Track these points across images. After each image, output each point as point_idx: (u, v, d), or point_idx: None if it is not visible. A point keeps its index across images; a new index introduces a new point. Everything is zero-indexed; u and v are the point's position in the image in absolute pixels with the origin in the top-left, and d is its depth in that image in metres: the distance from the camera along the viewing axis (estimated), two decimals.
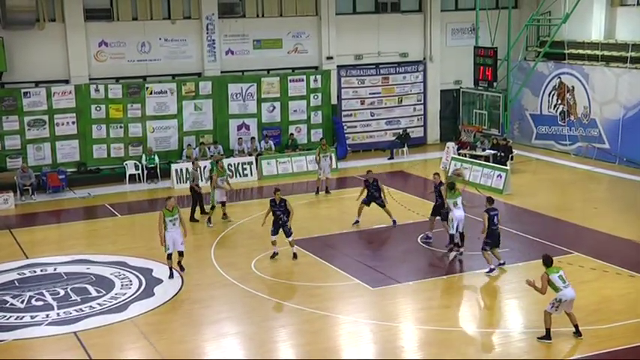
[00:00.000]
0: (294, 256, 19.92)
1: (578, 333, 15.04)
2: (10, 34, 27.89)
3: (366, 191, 22.69)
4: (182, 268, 19.05)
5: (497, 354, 14.84)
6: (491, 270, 18.60)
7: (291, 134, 32.02)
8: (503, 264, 19.00)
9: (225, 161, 28.85)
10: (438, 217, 21.16)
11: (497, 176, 26.85)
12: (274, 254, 20.00)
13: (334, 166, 30.09)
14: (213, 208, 23.38)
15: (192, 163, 25.29)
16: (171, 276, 18.73)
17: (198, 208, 24.14)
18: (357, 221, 22.82)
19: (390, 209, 22.89)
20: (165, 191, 27.73)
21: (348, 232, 22.48)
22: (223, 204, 23.62)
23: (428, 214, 22.29)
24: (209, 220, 23.29)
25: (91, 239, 22.80)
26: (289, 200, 20.10)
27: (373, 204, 22.70)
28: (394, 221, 22.74)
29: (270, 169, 29.87)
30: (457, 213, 19.66)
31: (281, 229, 19.86)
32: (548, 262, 15.04)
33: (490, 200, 19.14)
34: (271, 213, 19.87)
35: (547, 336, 14.95)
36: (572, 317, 15.06)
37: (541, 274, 14.87)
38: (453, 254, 19.74)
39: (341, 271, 19.14)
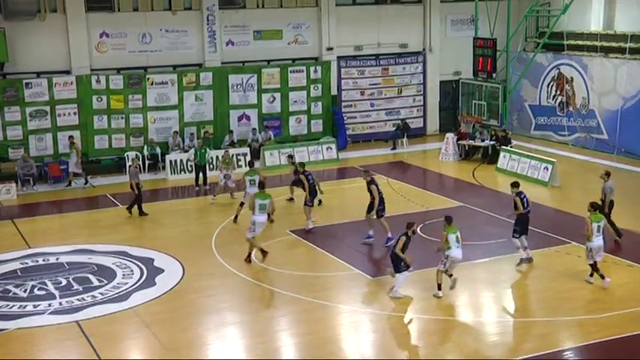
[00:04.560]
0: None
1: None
2: (11, 25, 27.94)
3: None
4: None
5: (495, 343, 14.95)
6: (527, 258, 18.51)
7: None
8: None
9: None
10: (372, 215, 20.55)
11: (544, 168, 26.65)
12: None
13: (335, 156, 30.25)
14: None
15: (132, 161, 24.92)
16: None
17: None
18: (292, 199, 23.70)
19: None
20: (161, 182, 27.92)
21: (348, 221, 22.56)
22: None
23: (427, 204, 22.43)
24: None
25: (93, 229, 22.88)
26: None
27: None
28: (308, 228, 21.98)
29: (273, 160, 29.92)
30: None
31: None
32: (449, 221, 16.79)
33: (516, 184, 18.80)
34: None
35: (439, 290, 16.79)
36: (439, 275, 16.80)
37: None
38: None
39: (341, 261, 19.28)
